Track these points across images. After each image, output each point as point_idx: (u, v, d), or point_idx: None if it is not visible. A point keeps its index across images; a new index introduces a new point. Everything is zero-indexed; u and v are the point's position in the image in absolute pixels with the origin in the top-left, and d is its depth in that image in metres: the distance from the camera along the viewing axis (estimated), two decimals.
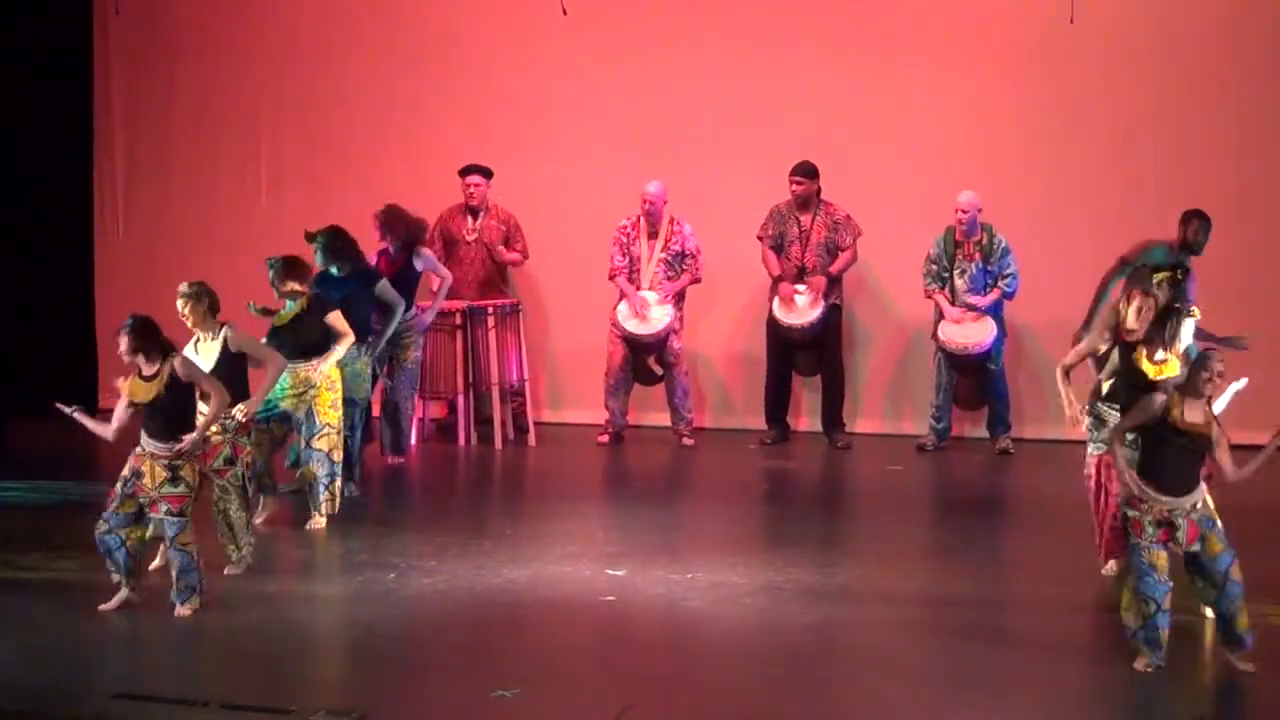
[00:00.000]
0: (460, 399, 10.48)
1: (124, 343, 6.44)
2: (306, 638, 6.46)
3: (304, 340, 7.97)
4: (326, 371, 8.03)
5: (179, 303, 7.15)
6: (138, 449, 6.52)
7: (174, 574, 6.52)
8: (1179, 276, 7.45)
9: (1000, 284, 10.23)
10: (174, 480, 6.47)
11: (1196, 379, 5.79)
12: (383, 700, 5.59)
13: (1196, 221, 8.89)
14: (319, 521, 8.06)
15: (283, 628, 6.52)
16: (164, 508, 6.47)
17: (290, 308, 8.05)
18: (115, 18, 12.11)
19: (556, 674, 5.95)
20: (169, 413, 6.46)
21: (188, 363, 6.55)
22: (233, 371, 7.14)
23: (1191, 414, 5.77)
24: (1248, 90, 10.46)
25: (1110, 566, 7.07)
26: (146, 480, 6.47)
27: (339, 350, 8.07)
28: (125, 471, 6.53)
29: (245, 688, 5.75)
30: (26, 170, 11.71)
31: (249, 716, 5.41)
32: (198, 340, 7.21)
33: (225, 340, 7.18)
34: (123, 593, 6.56)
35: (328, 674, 6.12)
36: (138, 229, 12.25)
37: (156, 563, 7.00)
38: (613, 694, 5.68)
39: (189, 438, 6.46)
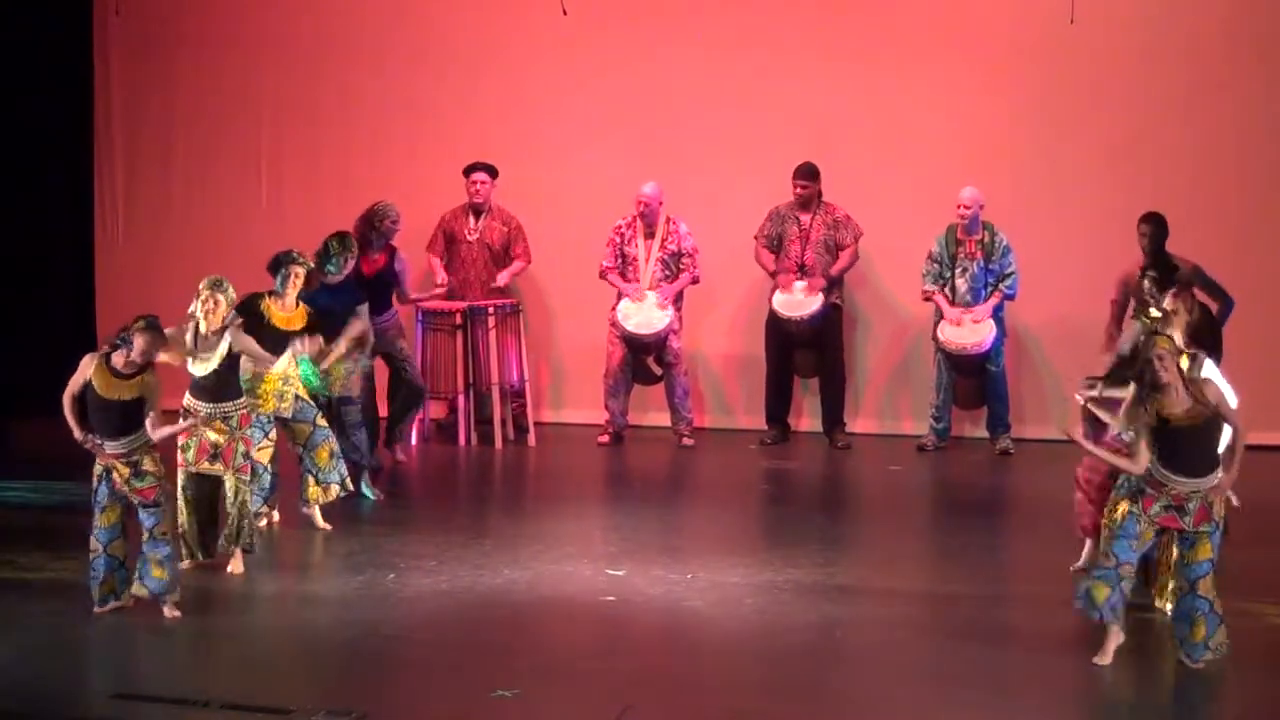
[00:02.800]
0: (460, 399, 10.48)
1: (145, 345, 6.40)
2: (306, 638, 6.45)
3: (287, 345, 7.97)
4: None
5: (213, 297, 7.03)
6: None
7: (156, 566, 6.51)
8: (1152, 282, 7.52)
9: (1001, 285, 10.22)
10: (138, 474, 6.49)
11: (1151, 376, 5.78)
12: (383, 700, 5.60)
13: (1143, 225, 9.27)
14: (319, 519, 8.09)
15: (283, 628, 6.53)
16: (136, 500, 6.50)
17: (292, 310, 8.00)
18: (115, 18, 12.09)
19: (556, 674, 5.95)
20: (125, 415, 6.47)
21: (159, 385, 6.54)
22: (231, 368, 7.18)
23: (1175, 404, 5.76)
24: (1247, 90, 10.46)
25: (1085, 555, 7.12)
26: (116, 476, 6.50)
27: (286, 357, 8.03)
28: (95, 482, 6.55)
29: (245, 688, 5.75)
30: (26, 170, 11.69)
31: (249, 716, 5.41)
32: (196, 333, 7.11)
33: (229, 342, 7.15)
34: (120, 598, 6.58)
35: (328, 674, 6.11)
36: (138, 229, 12.24)
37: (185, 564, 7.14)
38: (613, 694, 5.68)
39: (156, 435, 6.48)
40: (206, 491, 7.27)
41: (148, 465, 6.52)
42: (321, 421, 8.08)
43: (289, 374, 7.94)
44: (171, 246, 11.97)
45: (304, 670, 6.10)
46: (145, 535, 6.53)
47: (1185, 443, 5.79)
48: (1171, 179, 10.21)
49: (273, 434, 7.80)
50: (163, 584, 6.53)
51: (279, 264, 7.92)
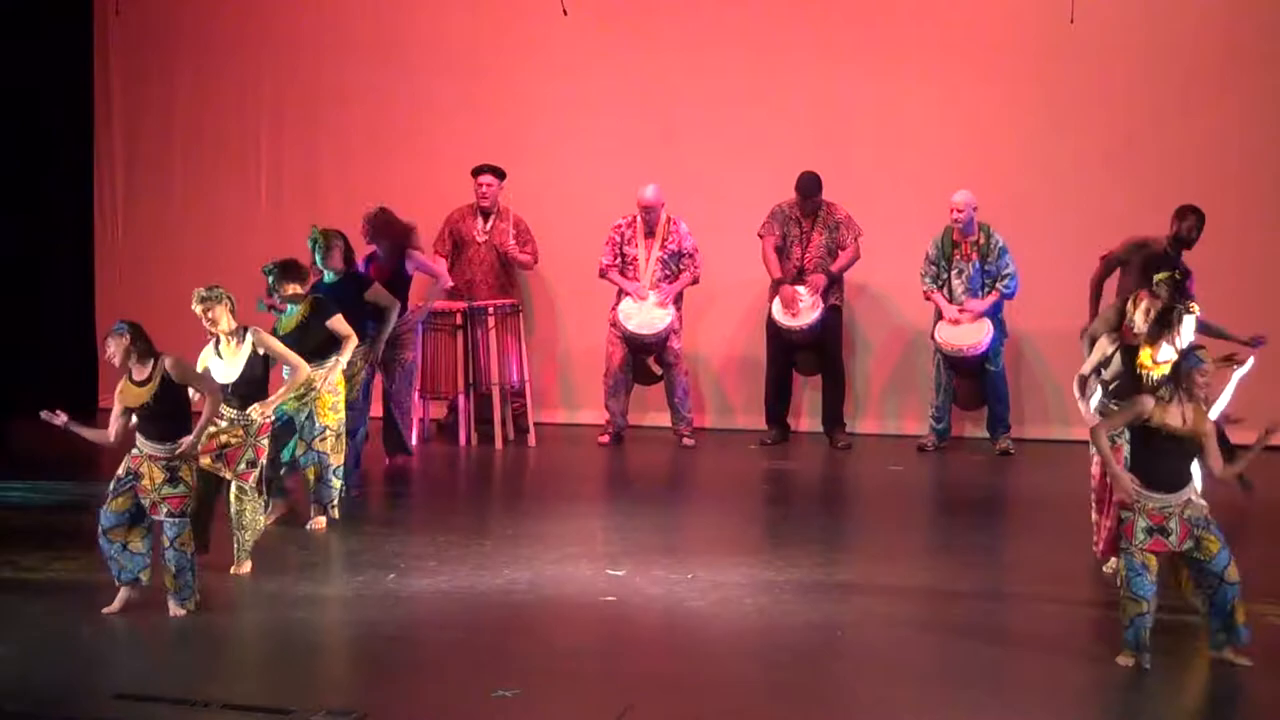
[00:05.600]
0: (460, 399, 10.49)
1: (118, 346, 6.45)
2: (306, 638, 6.45)
3: (308, 345, 7.95)
4: (335, 379, 8.07)
5: (206, 308, 7.08)
6: (134, 450, 6.55)
7: (172, 574, 6.53)
8: (1178, 276, 7.50)
9: (999, 285, 10.23)
10: (173, 481, 6.49)
11: (1189, 381, 5.81)
12: (383, 700, 5.60)
13: (1193, 217, 9.13)
14: (320, 522, 8.08)
15: (283, 628, 6.52)
16: (164, 509, 6.49)
17: (292, 312, 8.04)
18: (115, 18, 12.11)
19: (556, 674, 5.95)
20: (164, 415, 6.50)
21: (180, 364, 6.55)
22: (259, 373, 7.23)
23: (1173, 416, 5.79)
24: (1248, 90, 10.46)
25: (1112, 564, 7.11)
26: (146, 481, 6.49)
27: (346, 354, 8.07)
28: (120, 471, 6.55)
29: (245, 688, 5.76)
30: (27, 171, 11.70)
31: (249, 716, 5.41)
32: (218, 342, 7.18)
33: (252, 344, 7.17)
34: (124, 593, 6.57)
35: (328, 674, 6.12)
36: (138, 229, 12.25)
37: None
38: (613, 694, 5.68)
39: (187, 440, 6.48)
40: (208, 489, 7.25)
41: (184, 474, 6.53)
42: (318, 445, 8.08)
43: (314, 380, 7.97)
44: (171, 246, 11.99)
45: (304, 670, 6.09)
46: (165, 543, 6.52)
47: (1161, 456, 5.82)
48: (1171, 180, 10.20)
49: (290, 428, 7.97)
50: (180, 594, 6.55)
51: (269, 286, 8.05)
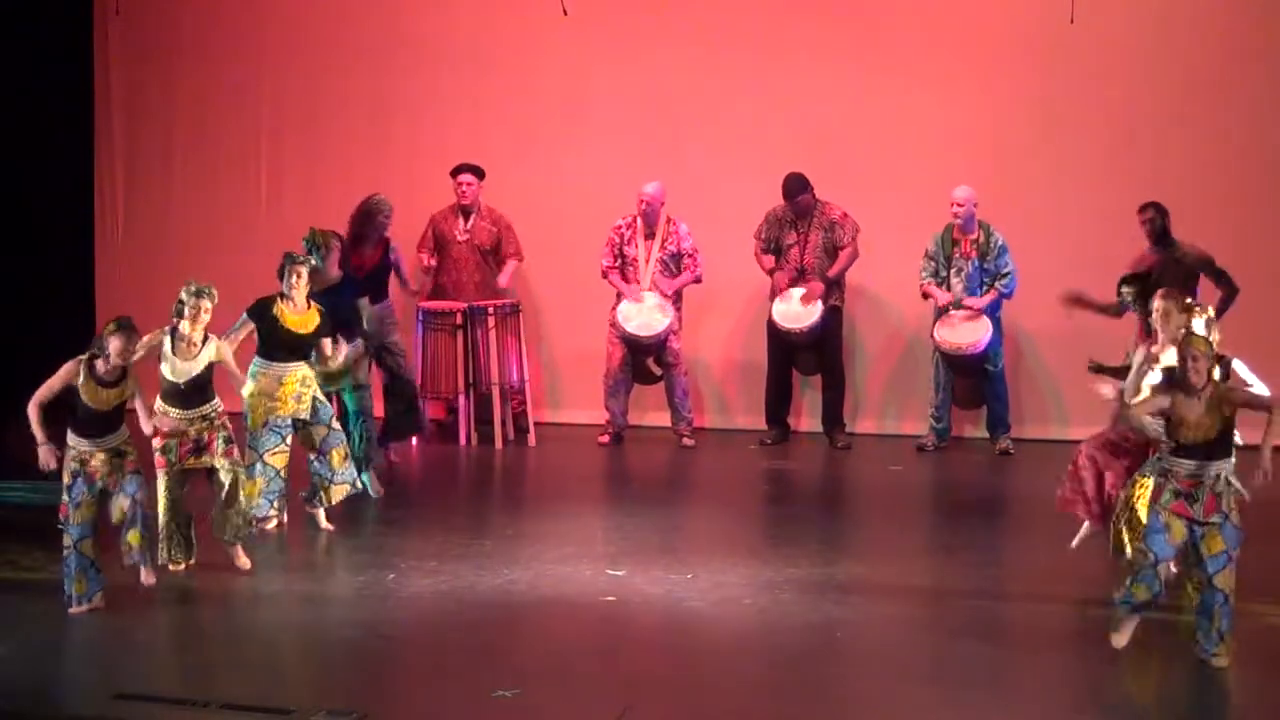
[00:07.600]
0: (460, 399, 10.48)
1: (124, 344, 6.46)
2: (306, 638, 6.46)
3: (309, 349, 7.99)
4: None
5: (203, 302, 7.04)
6: (71, 452, 6.59)
7: (138, 531, 6.62)
8: (1136, 279, 7.64)
9: (997, 284, 10.23)
10: (119, 453, 6.64)
11: (1181, 373, 5.83)
12: (383, 700, 5.60)
13: (1146, 213, 9.41)
14: (326, 520, 8.10)
15: (283, 628, 6.53)
16: (122, 474, 6.61)
17: (304, 314, 7.99)
18: (115, 18, 12.11)
19: (556, 674, 5.96)
20: (110, 419, 6.61)
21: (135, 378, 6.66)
22: (208, 377, 7.17)
23: (1194, 409, 5.78)
24: (1248, 90, 10.46)
25: (1084, 529, 7.30)
26: (94, 464, 6.58)
27: (334, 359, 8.08)
28: (67, 479, 6.59)
29: (245, 688, 5.76)
30: (27, 170, 11.69)
31: (249, 716, 5.41)
32: (174, 337, 7.07)
33: (212, 354, 7.14)
34: (93, 600, 6.58)
35: (328, 674, 6.12)
36: (138, 229, 12.25)
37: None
38: (613, 694, 5.68)
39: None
40: (188, 491, 7.24)
41: (126, 449, 6.67)
42: (336, 425, 8.10)
43: (306, 375, 7.96)
44: (171, 246, 11.98)
45: (304, 670, 6.11)
46: (128, 503, 6.59)
47: (1190, 440, 5.83)
48: (1171, 179, 10.20)
49: (289, 439, 7.89)
50: (137, 553, 6.64)
51: (282, 267, 7.95)
